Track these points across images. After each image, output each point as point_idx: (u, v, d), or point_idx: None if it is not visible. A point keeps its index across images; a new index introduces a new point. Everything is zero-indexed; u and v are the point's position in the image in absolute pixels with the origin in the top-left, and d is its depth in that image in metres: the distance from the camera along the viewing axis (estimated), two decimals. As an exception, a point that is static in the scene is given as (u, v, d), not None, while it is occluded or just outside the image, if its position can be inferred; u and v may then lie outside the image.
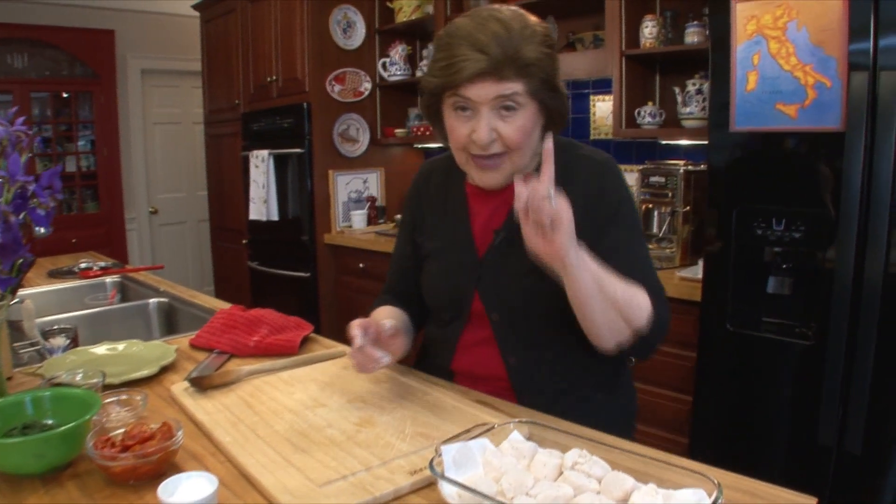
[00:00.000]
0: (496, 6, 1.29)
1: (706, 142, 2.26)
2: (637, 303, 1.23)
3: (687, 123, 2.86)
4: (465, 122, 1.28)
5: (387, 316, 1.46)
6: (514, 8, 1.29)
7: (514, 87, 1.23)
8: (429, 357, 1.55)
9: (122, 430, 1.07)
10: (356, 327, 1.26)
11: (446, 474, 0.92)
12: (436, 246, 1.50)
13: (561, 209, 1.06)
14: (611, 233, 1.32)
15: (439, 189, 1.53)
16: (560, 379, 1.38)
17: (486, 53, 1.20)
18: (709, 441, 2.32)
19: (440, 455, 0.94)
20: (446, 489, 0.90)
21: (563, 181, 1.31)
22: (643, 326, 1.23)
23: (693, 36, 2.79)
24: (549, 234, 1.07)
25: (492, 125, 1.25)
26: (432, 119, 1.40)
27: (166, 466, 1.03)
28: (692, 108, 2.82)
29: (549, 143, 1.11)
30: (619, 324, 1.22)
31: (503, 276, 1.37)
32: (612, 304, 1.19)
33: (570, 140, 1.44)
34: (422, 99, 1.38)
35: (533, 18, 1.29)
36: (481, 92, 1.23)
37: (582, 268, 1.13)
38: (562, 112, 1.34)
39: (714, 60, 2.16)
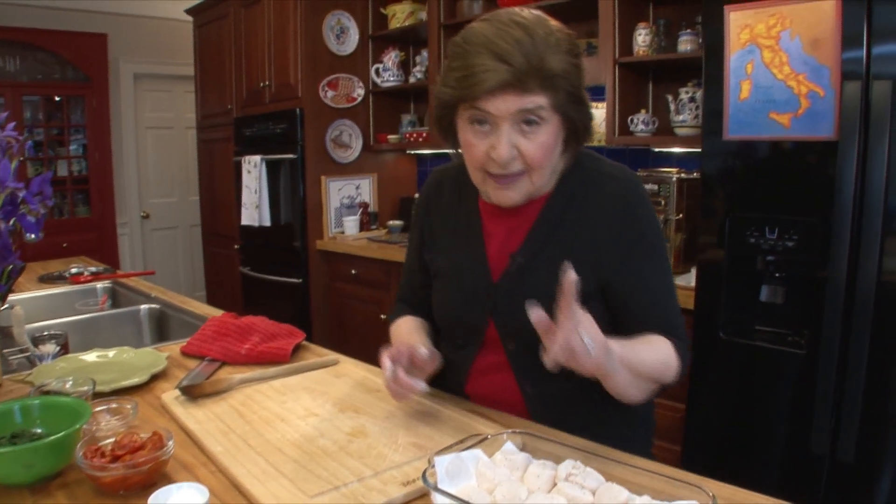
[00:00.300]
0: (516, 9, 1.19)
1: (699, 150, 2.26)
2: (667, 366, 1.20)
3: (680, 131, 2.86)
4: (482, 138, 1.18)
5: (411, 328, 1.43)
6: (536, 12, 1.18)
7: (538, 100, 1.13)
8: (443, 378, 1.43)
9: (112, 440, 1.06)
10: (385, 357, 1.20)
11: (439, 486, 0.91)
12: (447, 266, 1.41)
13: (597, 341, 0.98)
14: (636, 264, 1.25)
15: (451, 203, 1.44)
16: (578, 406, 1.30)
17: (509, 63, 1.09)
18: (702, 449, 2.32)
19: (433, 466, 0.94)
20: (439, 501, 0.90)
21: (586, 203, 1.27)
22: (671, 381, 1.22)
23: (686, 44, 2.79)
24: (584, 360, 0.98)
25: (512, 141, 1.16)
26: (444, 131, 1.30)
27: (157, 477, 1.03)
28: (685, 116, 2.83)
29: (570, 279, 0.96)
30: (650, 386, 1.20)
31: (520, 303, 1.17)
32: (644, 379, 1.16)
33: (591, 153, 1.35)
34: (434, 110, 1.28)
35: (556, 23, 1.18)
36: (502, 106, 1.13)
37: (616, 370, 1.06)
38: (586, 126, 1.24)
39: (707, 69, 2.16)
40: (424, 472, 0.92)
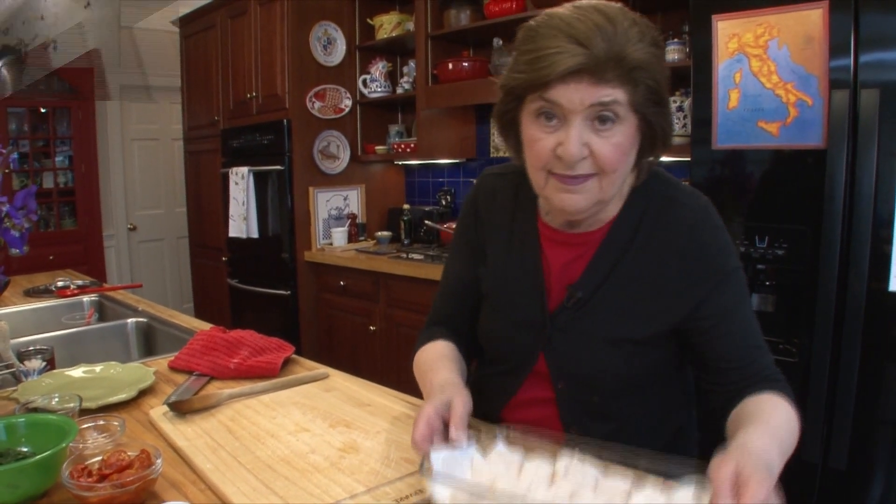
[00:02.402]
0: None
1: (687, 159, 2.27)
2: (796, 428, 1.04)
3: (668, 140, 2.86)
4: (549, 134, 1.04)
5: (440, 355, 1.28)
6: (619, 4, 1.05)
7: (616, 93, 1.00)
8: (481, 398, 1.22)
9: (99, 458, 1.04)
10: (421, 442, 1.00)
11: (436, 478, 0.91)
12: (498, 289, 1.27)
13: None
14: (721, 301, 1.12)
15: (505, 217, 1.29)
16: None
17: (586, 47, 0.96)
18: (694, 458, 2.31)
19: (429, 461, 0.93)
20: (438, 493, 0.89)
21: (653, 232, 1.15)
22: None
23: (673, 53, 2.80)
24: None
25: (584, 139, 1.02)
26: (505, 128, 1.16)
27: (145, 496, 1.01)
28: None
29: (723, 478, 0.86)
30: None
31: (575, 341, 1.17)
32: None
33: (660, 172, 1.20)
34: (498, 103, 1.14)
35: (640, 17, 1.05)
36: (575, 96, 0.99)
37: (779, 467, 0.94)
38: (665, 134, 1.09)
39: (696, 78, 2.17)
40: (422, 464, 0.92)
